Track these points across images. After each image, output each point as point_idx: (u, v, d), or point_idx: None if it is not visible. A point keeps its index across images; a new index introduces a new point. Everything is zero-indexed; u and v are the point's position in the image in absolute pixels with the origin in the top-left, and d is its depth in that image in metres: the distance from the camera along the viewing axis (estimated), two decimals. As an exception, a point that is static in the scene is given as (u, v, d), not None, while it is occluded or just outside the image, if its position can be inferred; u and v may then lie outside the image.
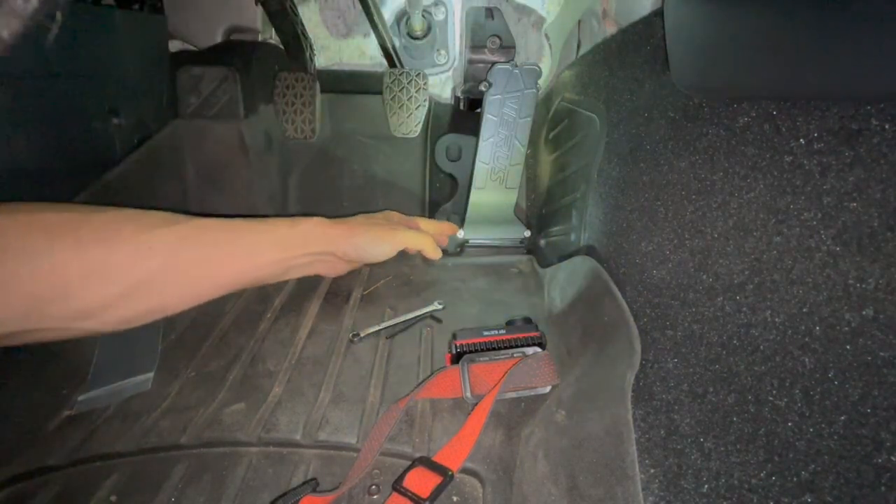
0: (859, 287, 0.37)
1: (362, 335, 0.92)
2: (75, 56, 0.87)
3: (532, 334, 0.79)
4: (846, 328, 0.38)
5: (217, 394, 0.78)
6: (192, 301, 0.76)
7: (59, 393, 0.78)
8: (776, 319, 0.43)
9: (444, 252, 1.33)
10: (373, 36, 1.33)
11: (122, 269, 0.65)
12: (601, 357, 0.67)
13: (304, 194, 1.40)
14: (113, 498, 0.62)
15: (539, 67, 1.15)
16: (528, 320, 0.83)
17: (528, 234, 1.30)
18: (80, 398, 0.79)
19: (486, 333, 0.79)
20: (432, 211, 1.42)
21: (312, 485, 0.61)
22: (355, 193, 1.40)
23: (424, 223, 1.12)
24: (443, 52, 1.48)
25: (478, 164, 1.23)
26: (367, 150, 1.44)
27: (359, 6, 1.27)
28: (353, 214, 1.41)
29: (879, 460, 0.34)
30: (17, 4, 0.59)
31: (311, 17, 1.45)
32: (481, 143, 1.21)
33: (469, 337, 0.79)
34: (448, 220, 1.41)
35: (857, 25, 0.37)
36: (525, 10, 1.43)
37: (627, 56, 0.85)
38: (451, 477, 0.61)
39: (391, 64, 1.34)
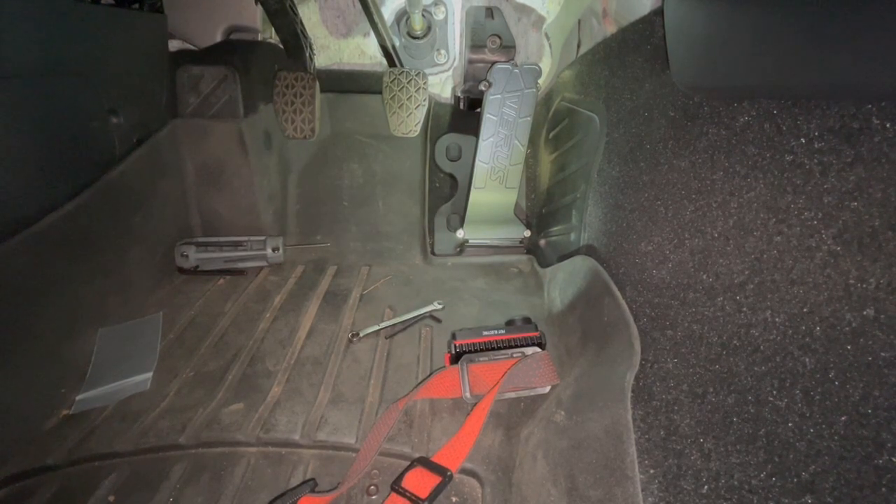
0: (860, 287, 0.37)
1: (361, 335, 0.92)
2: (75, 56, 0.86)
3: (532, 334, 0.79)
4: (847, 328, 0.38)
5: (216, 394, 0.78)
6: None
7: (57, 392, 0.78)
8: (776, 319, 0.43)
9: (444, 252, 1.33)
10: (373, 35, 1.33)
11: None
12: (601, 357, 0.67)
13: (304, 193, 1.40)
14: (111, 498, 0.62)
15: (539, 67, 1.15)
16: (527, 320, 0.83)
17: (527, 234, 1.30)
18: (79, 397, 0.79)
19: (485, 333, 0.79)
20: (432, 211, 1.42)
21: (311, 485, 0.60)
22: (355, 193, 1.40)
23: None
24: (443, 51, 1.48)
25: (478, 164, 1.23)
26: (366, 149, 1.44)
27: (358, 6, 1.26)
28: (353, 213, 1.42)
29: (880, 461, 0.34)
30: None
31: (310, 17, 1.45)
32: (481, 143, 1.20)
33: (468, 337, 0.79)
34: (448, 220, 1.42)
35: (858, 25, 0.37)
36: (525, 10, 1.43)
37: (627, 55, 0.84)
38: (450, 477, 0.60)
39: (391, 63, 1.34)
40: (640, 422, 0.54)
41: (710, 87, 0.58)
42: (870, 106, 0.38)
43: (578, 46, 1.23)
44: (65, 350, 0.81)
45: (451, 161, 1.46)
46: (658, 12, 0.75)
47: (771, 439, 0.41)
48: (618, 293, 0.68)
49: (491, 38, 1.24)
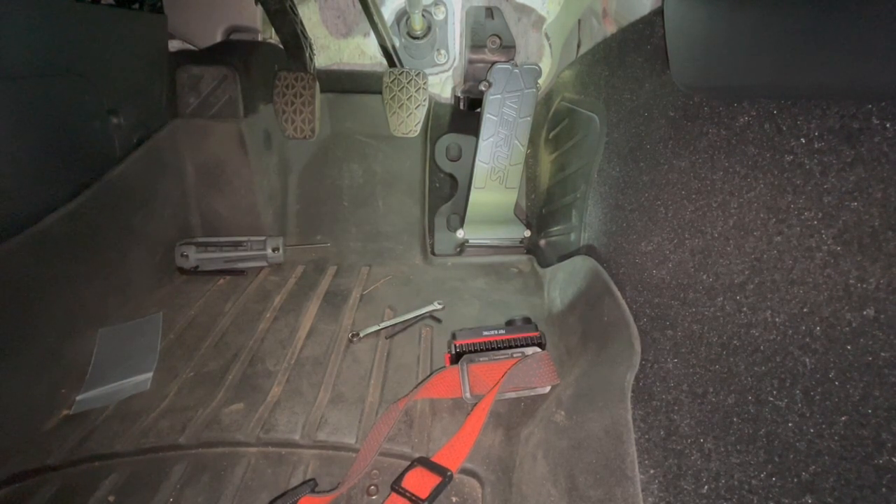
0: (860, 287, 0.37)
1: (361, 335, 0.92)
2: (75, 56, 0.86)
3: (532, 334, 0.79)
4: (847, 328, 0.38)
5: (216, 394, 0.77)
6: None
7: (57, 392, 0.78)
8: (776, 319, 0.43)
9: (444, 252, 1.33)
10: (373, 35, 1.33)
11: None
12: (601, 357, 0.67)
13: (304, 193, 1.40)
14: (111, 498, 0.62)
15: (539, 67, 1.15)
16: (527, 320, 0.83)
17: (528, 234, 1.30)
18: (79, 398, 0.79)
19: (485, 333, 0.79)
20: (432, 211, 1.42)
21: (311, 485, 0.60)
22: (355, 193, 1.40)
23: None
24: (443, 51, 1.48)
25: (478, 164, 1.23)
26: (366, 149, 1.44)
27: (358, 6, 1.26)
28: (353, 213, 1.42)
29: (880, 461, 0.34)
30: None
31: (310, 17, 1.45)
32: (481, 143, 1.20)
33: (469, 337, 0.79)
34: (448, 220, 1.42)
35: (858, 25, 0.37)
36: (525, 10, 1.43)
37: (627, 55, 0.84)
38: (450, 477, 0.60)
39: (391, 63, 1.33)
40: (640, 422, 0.54)
41: (710, 87, 0.58)
42: (870, 106, 0.38)
43: (578, 46, 1.23)
44: (65, 350, 0.81)
45: (451, 161, 1.46)
46: (658, 12, 0.75)
47: (771, 439, 0.41)
48: (618, 293, 0.68)
49: (491, 38, 1.24)
